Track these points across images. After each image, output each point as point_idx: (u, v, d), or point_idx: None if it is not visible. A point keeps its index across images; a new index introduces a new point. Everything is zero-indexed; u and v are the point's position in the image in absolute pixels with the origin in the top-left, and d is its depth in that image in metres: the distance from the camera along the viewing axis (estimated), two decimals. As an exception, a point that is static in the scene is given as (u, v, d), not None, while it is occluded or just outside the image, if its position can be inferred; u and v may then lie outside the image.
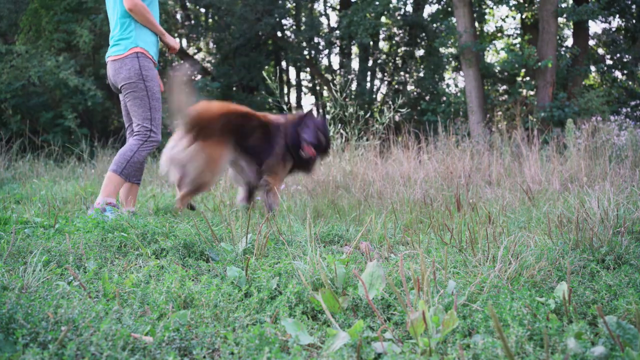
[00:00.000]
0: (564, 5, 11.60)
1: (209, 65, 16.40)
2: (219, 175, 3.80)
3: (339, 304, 1.73)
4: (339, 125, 6.01)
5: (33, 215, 3.43)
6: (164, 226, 2.84)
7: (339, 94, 5.88)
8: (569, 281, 1.77)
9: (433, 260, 1.80)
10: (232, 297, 1.81)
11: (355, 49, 16.41)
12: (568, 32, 14.87)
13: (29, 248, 2.42)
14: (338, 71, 16.29)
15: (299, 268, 2.02)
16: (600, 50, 15.62)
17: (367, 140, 6.10)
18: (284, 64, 16.45)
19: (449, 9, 13.91)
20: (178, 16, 16.10)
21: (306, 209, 3.84)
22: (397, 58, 16.21)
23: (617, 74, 14.70)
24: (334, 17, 17.99)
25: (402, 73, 15.94)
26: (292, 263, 2.12)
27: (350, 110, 5.82)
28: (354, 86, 14.65)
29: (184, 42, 16.82)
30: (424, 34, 15.24)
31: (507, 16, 16.50)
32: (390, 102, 6.56)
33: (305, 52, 15.43)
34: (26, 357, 1.26)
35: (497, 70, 13.05)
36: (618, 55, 14.59)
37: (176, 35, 16.28)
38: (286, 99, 15.91)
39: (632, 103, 13.56)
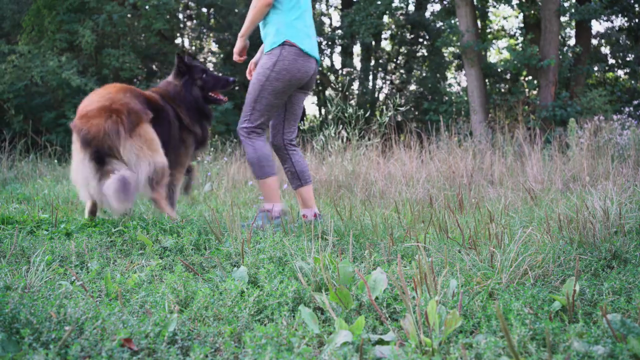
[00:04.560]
0: (566, 4, 11.57)
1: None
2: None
3: (351, 300, 1.73)
4: (340, 125, 6.01)
5: (36, 215, 3.44)
6: (164, 225, 2.84)
7: (346, 93, 5.88)
8: (577, 280, 1.77)
9: (434, 260, 1.80)
10: (234, 296, 1.81)
11: (357, 49, 16.41)
12: (571, 31, 14.83)
13: (31, 248, 2.43)
14: (340, 71, 16.28)
15: (300, 268, 2.02)
16: (603, 50, 15.58)
17: (369, 139, 6.10)
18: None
19: (452, 7, 13.88)
20: (180, 16, 16.11)
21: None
22: (399, 57, 16.20)
23: (620, 73, 14.67)
24: (335, 17, 17.98)
25: (404, 72, 15.92)
26: (292, 263, 2.12)
27: (350, 111, 5.81)
28: (355, 86, 14.65)
29: (186, 42, 16.83)
30: (426, 34, 15.23)
31: (509, 15, 16.47)
32: (390, 101, 6.54)
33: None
34: (30, 356, 1.26)
35: (499, 70, 13.02)
36: (621, 54, 14.56)
37: (178, 35, 16.30)
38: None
39: (635, 102, 13.52)
